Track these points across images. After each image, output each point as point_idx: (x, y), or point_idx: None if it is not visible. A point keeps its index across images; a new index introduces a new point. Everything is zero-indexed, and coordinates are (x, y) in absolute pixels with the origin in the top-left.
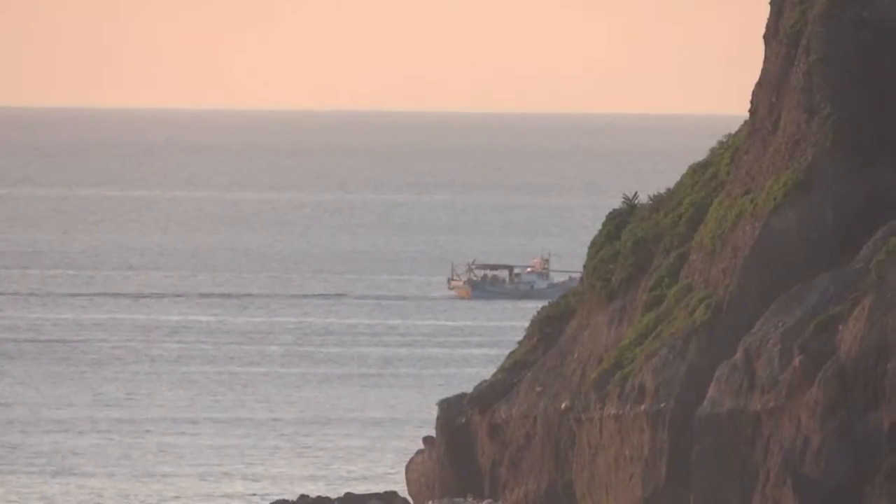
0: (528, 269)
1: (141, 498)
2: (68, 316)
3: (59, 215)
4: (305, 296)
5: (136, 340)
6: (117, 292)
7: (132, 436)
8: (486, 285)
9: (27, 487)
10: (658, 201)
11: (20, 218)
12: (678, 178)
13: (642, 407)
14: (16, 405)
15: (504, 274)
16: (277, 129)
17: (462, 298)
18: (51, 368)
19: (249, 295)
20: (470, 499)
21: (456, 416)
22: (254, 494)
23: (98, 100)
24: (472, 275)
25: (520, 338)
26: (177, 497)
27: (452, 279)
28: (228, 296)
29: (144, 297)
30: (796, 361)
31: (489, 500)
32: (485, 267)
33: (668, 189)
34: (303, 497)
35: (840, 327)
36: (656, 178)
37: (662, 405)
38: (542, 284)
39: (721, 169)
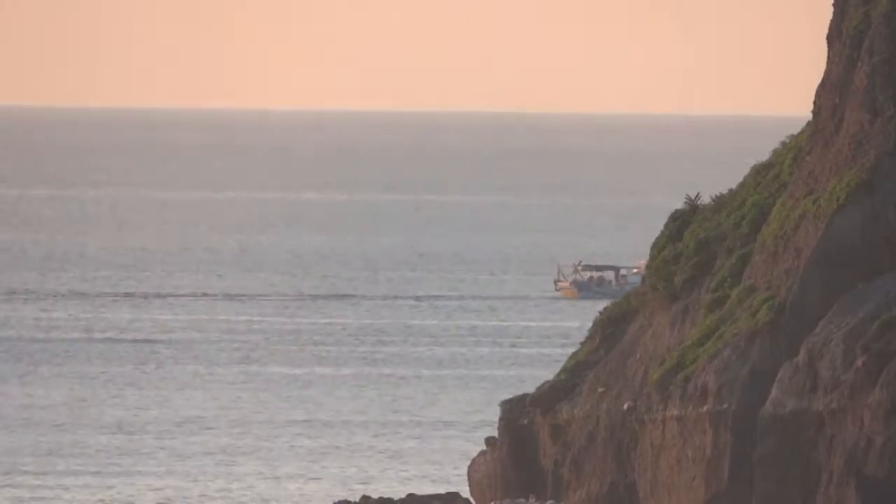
0: (634, 271)
1: (196, 495)
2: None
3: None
4: (421, 297)
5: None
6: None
7: (197, 434)
8: (593, 286)
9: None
10: (720, 202)
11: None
12: (741, 179)
13: (705, 408)
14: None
15: (610, 275)
16: (354, 129)
17: (569, 299)
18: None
19: (351, 295)
20: (532, 499)
21: (518, 416)
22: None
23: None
24: (578, 276)
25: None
26: (232, 496)
27: (559, 280)
28: (333, 296)
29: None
30: (859, 362)
31: (552, 501)
32: (591, 268)
33: (731, 190)
34: (365, 497)
35: None
36: (724, 179)
37: (725, 406)
38: None
39: (784, 170)
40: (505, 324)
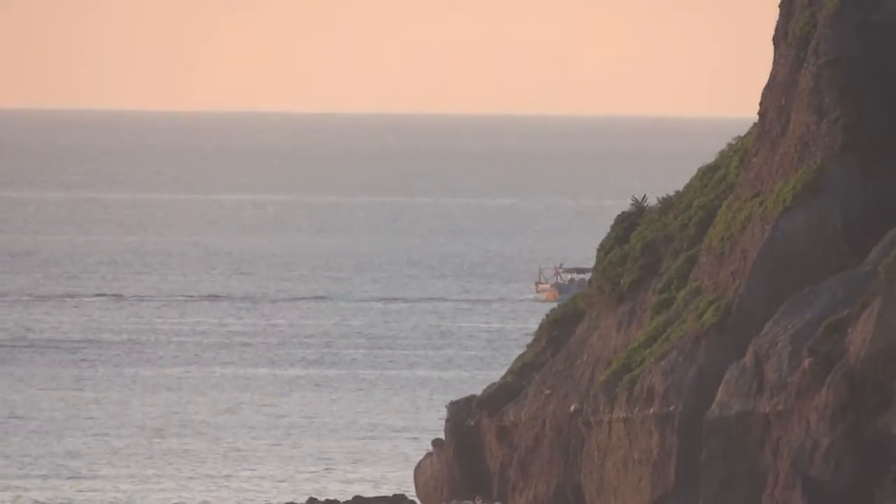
0: None
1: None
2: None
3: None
4: (394, 299)
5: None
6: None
7: (139, 437)
8: (575, 288)
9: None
10: (667, 204)
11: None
12: (687, 181)
13: (651, 410)
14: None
15: (591, 277)
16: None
17: (549, 301)
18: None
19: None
20: (479, 501)
21: (465, 418)
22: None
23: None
24: (559, 278)
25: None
26: (173, 499)
27: (539, 282)
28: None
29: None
30: (805, 364)
31: (498, 503)
32: (572, 270)
33: (677, 192)
34: (312, 500)
35: (849, 330)
36: (667, 180)
37: (671, 408)
38: None
39: (730, 171)
40: (483, 325)
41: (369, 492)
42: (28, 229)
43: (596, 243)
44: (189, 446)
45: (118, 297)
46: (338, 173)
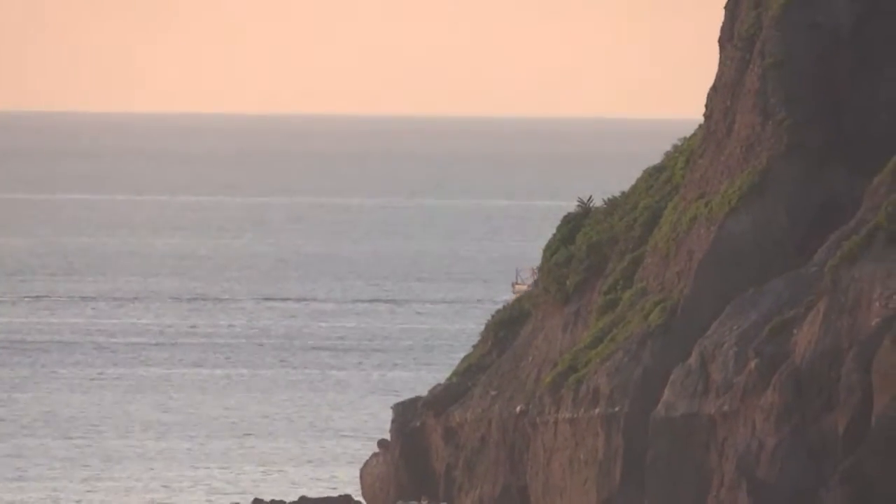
0: None
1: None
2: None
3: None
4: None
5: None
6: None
7: (84, 437)
8: None
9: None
10: (613, 205)
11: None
12: (633, 182)
13: (597, 410)
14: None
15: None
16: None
17: None
18: None
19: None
20: (424, 502)
21: (410, 419)
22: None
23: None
24: (536, 279)
25: None
26: (119, 500)
27: (516, 283)
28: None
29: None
30: (751, 365)
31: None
32: None
33: (623, 192)
34: (257, 500)
35: (795, 331)
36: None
37: (617, 409)
38: None
39: (676, 173)
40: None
41: (315, 492)
42: None
43: (539, 244)
44: (138, 447)
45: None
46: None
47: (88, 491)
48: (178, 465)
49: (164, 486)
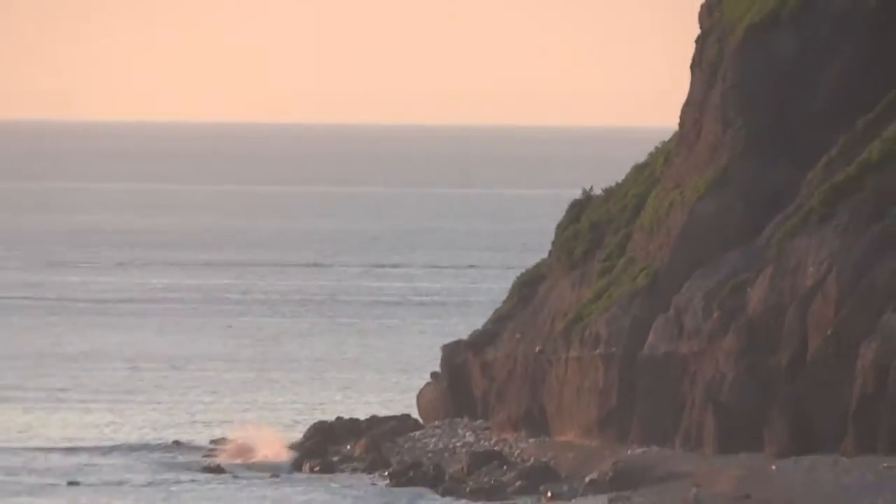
0: None
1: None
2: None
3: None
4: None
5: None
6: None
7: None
8: None
9: None
10: (609, 193)
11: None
12: (624, 176)
13: (597, 351)
14: None
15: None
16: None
17: None
18: None
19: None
20: (466, 420)
21: (456, 356)
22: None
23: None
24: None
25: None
26: (213, 423)
27: None
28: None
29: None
30: (715, 315)
31: (481, 420)
32: None
33: (617, 184)
34: (338, 419)
35: (748, 290)
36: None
37: (613, 349)
38: None
39: (657, 168)
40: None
41: (382, 413)
42: None
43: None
44: (240, 378)
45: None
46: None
47: (188, 414)
48: (270, 391)
49: (260, 408)
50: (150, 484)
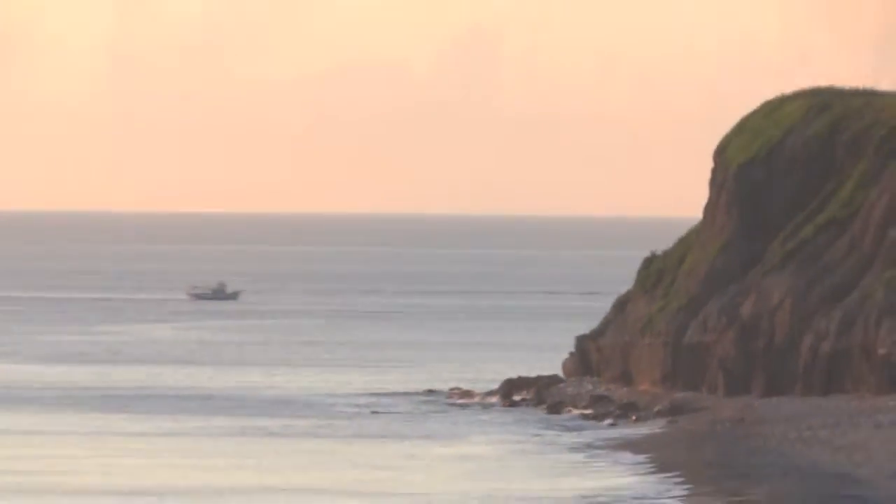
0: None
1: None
2: None
3: None
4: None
5: None
6: None
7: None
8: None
9: None
10: (665, 253)
11: None
12: (673, 244)
13: (659, 340)
14: None
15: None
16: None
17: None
18: None
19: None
20: (588, 378)
21: (582, 342)
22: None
23: None
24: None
25: None
26: (451, 381)
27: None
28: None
29: None
30: (723, 320)
31: (595, 378)
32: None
33: (666, 250)
34: (507, 380)
35: (742, 306)
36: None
37: (668, 339)
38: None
39: (691, 240)
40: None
41: (543, 373)
42: None
43: None
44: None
45: None
46: None
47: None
48: (482, 364)
49: (477, 371)
50: (415, 413)
